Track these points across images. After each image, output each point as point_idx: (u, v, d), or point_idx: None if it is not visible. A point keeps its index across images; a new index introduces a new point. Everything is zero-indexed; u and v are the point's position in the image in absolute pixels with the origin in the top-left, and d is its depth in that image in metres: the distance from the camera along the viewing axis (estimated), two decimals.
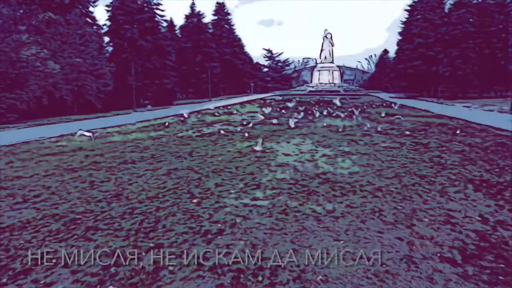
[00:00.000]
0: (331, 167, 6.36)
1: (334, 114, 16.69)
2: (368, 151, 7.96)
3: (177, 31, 40.84)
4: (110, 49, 30.82)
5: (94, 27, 28.59)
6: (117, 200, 4.63)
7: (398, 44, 37.69)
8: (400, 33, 37.26)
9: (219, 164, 6.72)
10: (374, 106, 22.53)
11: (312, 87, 56.17)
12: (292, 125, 12.40)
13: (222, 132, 11.24)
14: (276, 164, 6.65)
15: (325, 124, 12.82)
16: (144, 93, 29.37)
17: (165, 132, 11.78)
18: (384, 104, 24.45)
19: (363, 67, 76.02)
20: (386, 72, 49.66)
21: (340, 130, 11.39)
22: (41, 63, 16.17)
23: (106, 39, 29.96)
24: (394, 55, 40.27)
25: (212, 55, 40.74)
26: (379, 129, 11.50)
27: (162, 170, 6.37)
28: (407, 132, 10.65)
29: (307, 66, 72.22)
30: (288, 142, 9.27)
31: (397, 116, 15.04)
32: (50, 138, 11.32)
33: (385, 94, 39.07)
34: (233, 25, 49.97)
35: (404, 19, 36.59)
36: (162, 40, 30.37)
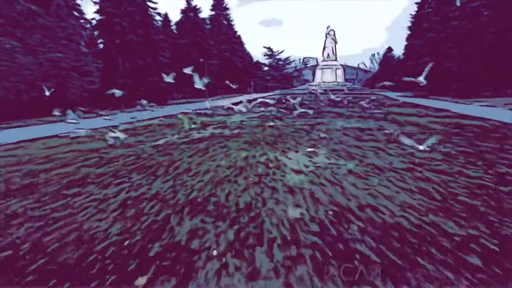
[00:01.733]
0: (366, 194, 4.29)
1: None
2: (405, 165, 5.90)
3: (173, 27, 38.75)
4: (102, 45, 28.77)
5: (82, 20, 26.58)
6: None
7: (407, 39, 35.48)
8: (409, 28, 35.05)
9: (203, 189, 4.66)
10: (385, 105, 20.47)
11: (315, 86, 54.03)
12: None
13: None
14: (284, 190, 4.58)
15: (338, 127, 10.77)
16: (135, 92, 27.27)
17: (145, 137, 9.71)
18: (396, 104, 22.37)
19: (365, 65, 73.98)
20: (390, 71, 47.53)
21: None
22: (7, 57, 14.09)
23: (96, 34, 27.93)
24: (403, 51, 38.04)
25: (210, 52, 38.61)
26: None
27: (117, 199, 4.31)
28: (428, 132, 8.57)
29: (307, 65, 70.05)
30: (297, 151, 7.20)
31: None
32: (6, 145, 9.35)
33: (388, 93, 36.89)
34: (232, 21, 47.80)
35: (414, 13, 34.38)
36: (155, 35, 28.29)
